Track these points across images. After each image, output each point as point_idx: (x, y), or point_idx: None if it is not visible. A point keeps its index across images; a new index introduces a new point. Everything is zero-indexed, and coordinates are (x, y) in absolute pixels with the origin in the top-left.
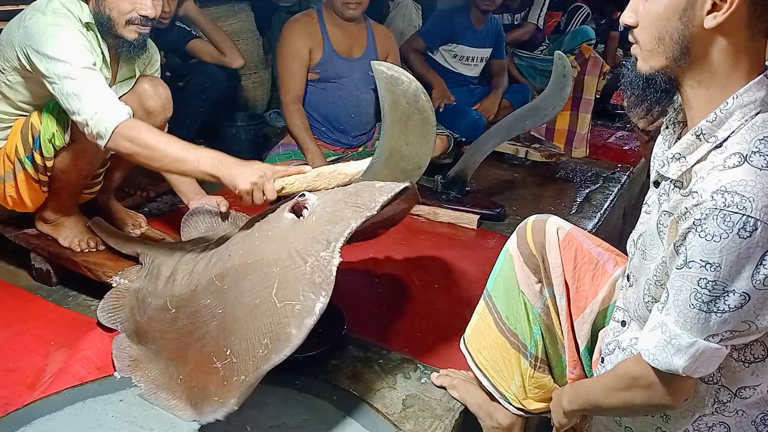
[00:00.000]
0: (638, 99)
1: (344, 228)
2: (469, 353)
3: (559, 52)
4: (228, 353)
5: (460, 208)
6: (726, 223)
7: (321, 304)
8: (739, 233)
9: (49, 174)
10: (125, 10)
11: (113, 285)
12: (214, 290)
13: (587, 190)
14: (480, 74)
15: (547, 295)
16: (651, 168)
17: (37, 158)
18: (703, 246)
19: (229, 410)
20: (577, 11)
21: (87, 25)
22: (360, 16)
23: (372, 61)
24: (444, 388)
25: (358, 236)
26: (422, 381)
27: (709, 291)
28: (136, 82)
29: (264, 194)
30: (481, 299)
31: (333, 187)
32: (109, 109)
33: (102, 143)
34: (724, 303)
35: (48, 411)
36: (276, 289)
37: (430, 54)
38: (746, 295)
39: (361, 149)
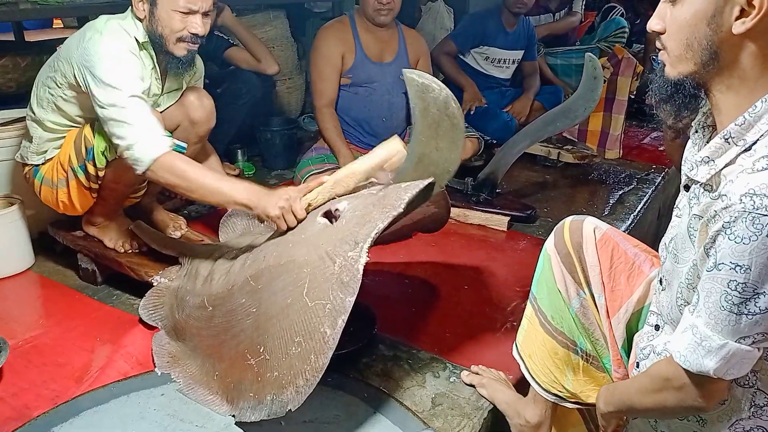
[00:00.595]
0: (667, 104)
1: (371, 229)
2: (522, 359)
3: (590, 54)
4: (262, 350)
5: (491, 210)
6: (755, 226)
7: (349, 302)
8: None
9: (99, 183)
10: (177, 28)
11: (154, 284)
12: (249, 290)
13: (620, 192)
14: (511, 76)
15: (584, 295)
16: (682, 172)
17: (90, 168)
18: (732, 248)
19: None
20: (611, 11)
21: (142, 45)
22: (391, 21)
23: (404, 69)
24: (473, 386)
25: (392, 237)
26: (451, 380)
27: (740, 293)
28: (182, 94)
29: (294, 215)
30: (528, 303)
31: (353, 188)
32: (151, 139)
33: (140, 170)
34: (755, 305)
35: (95, 404)
36: (307, 289)
37: (461, 57)
38: None
39: None
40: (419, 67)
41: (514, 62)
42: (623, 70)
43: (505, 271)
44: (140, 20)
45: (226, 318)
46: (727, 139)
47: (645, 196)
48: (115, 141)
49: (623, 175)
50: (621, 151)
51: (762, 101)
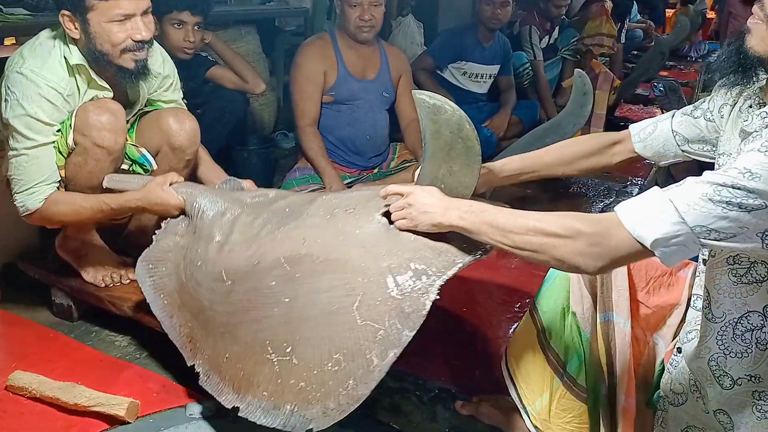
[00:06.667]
0: (734, 75)
1: (449, 265)
2: (506, 358)
3: (580, 70)
4: (288, 351)
5: None
6: None
7: (407, 336)
8: None
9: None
10: (119, 40)
11: (156, 237)
12: (282, 274)
13: (601, 205)
14: (488, 91)
15: (601, 320)
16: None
17: None
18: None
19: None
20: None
21: (75, 68)
22: (373, 38)
23: (413, 91)
24: (473, 416)
25: None
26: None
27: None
28: (160, 117)
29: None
30: (528, 310)
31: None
32: (36, 188)
33: (26, 213)
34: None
35: None
36: (359, 303)
37: (438, 72)
38: None
39: (376, 170)
40: (402, 83)
41: (490, 77)
42: (600, 84)
43: (500, 291)
44: (75, 41)
45: (247, 296)
46: None
47: None
48: (10, 177)
49: (602, 188)
50: None
51: None
